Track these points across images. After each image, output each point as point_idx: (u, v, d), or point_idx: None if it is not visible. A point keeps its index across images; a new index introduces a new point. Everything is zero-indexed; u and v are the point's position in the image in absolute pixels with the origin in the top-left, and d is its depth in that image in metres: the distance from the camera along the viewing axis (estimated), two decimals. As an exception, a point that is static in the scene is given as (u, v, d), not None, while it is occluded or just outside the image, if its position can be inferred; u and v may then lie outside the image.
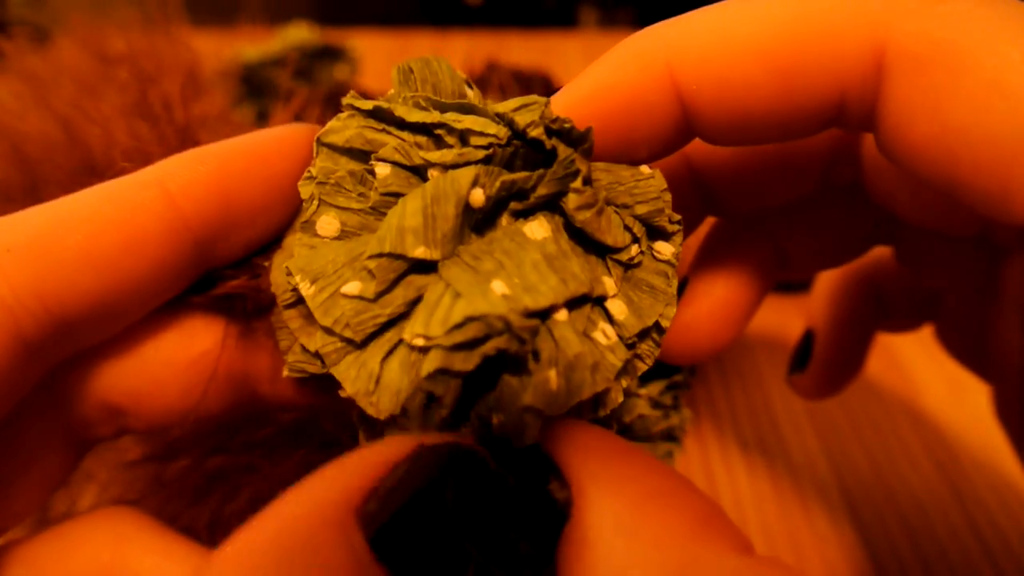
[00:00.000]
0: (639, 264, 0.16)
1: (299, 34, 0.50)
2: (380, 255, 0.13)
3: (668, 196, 0.16)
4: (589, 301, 0.14)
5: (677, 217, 0.16)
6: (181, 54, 0.24)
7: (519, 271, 0.13)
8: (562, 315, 0.13)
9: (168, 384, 0.15)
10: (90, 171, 0.16)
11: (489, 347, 0.12)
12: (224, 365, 0.16)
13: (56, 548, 0.14)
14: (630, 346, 0.15)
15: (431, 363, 0.13)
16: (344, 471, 0.12)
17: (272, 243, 0.16)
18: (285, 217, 0.15)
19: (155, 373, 0.15)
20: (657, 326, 0.15)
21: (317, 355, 0.14)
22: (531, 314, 0.13)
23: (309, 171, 0.15)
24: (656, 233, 0.16)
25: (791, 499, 0.30)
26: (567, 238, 0.15)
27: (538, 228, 0.14)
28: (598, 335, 0.14)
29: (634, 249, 0.15)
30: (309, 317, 0.14)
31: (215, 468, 0.20)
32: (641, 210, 0.15)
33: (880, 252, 0.25)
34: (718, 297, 0.21)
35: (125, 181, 0.14)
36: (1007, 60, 0.12)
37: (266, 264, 0.16)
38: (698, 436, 0.32)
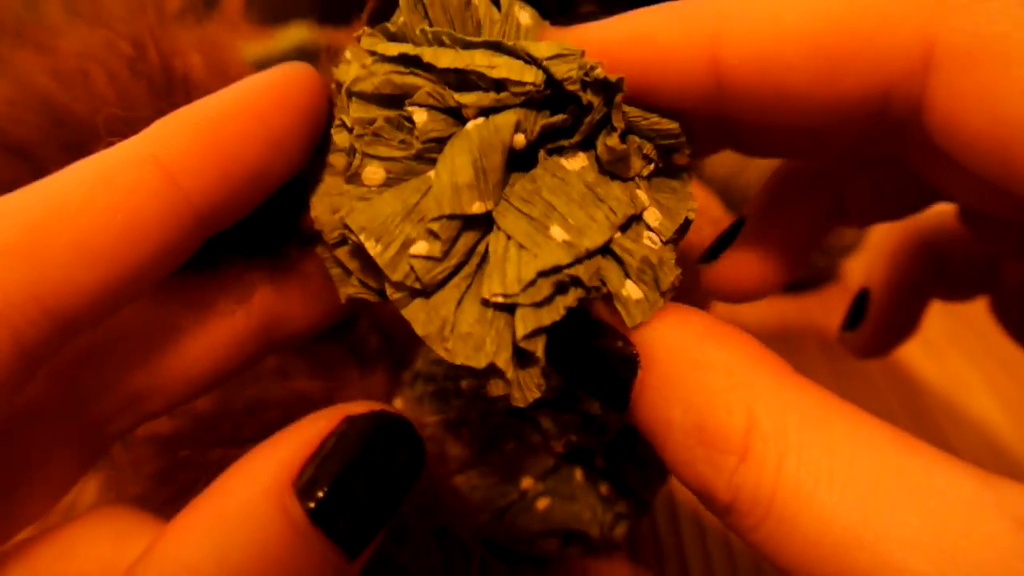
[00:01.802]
0: (659, 171, 0.16)
1: (299, 34, 0.50)
2: (440, 217, 0.14)
3: (684, 139, 0.16)
4: (634, 219, 0.15)
5: (690, 150, 0.17)
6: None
7: (568, 209, 0.14)
8: (617, 235, 0.15)
9: (189, 350, 0.15)
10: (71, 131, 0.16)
11: (570, 299, 0.14)
12: (255, 312, 0.16)
13: (56, 549, 0.14)
14: (668, 245, 0.16)
15: (526, 324, 0.14)
16: (277, 447, 0.13)
17: (295, 187, 0.16)
18: (288, 172, 0.15)
19: (173, 342, 0.15)
20: (686, 221, 0.16)
21: (380, 293, 0.15)
22: (592, 252, 0.14)
23: (342, 119, 0.15)
24: (671, 151, 0.17)
25: (791, 499, 0.30)
26: (599, 167, 0.16)
27: (574, 160, 0.15)
28: (646, 242, 0.15)
29: (652, 167, 0.16)
30: (366, 258, 0.15)
31: (216, 460, 0.19)
32: (661, 142, 0.16)
33: (942, 215, 0.24)
34: (773, 239, 0.21)
35: (118, 158, 0.13)
36: None
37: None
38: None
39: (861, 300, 0.26)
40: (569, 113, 0.15)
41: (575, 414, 0.24)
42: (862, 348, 0.26)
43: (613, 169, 0.15)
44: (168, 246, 0.14)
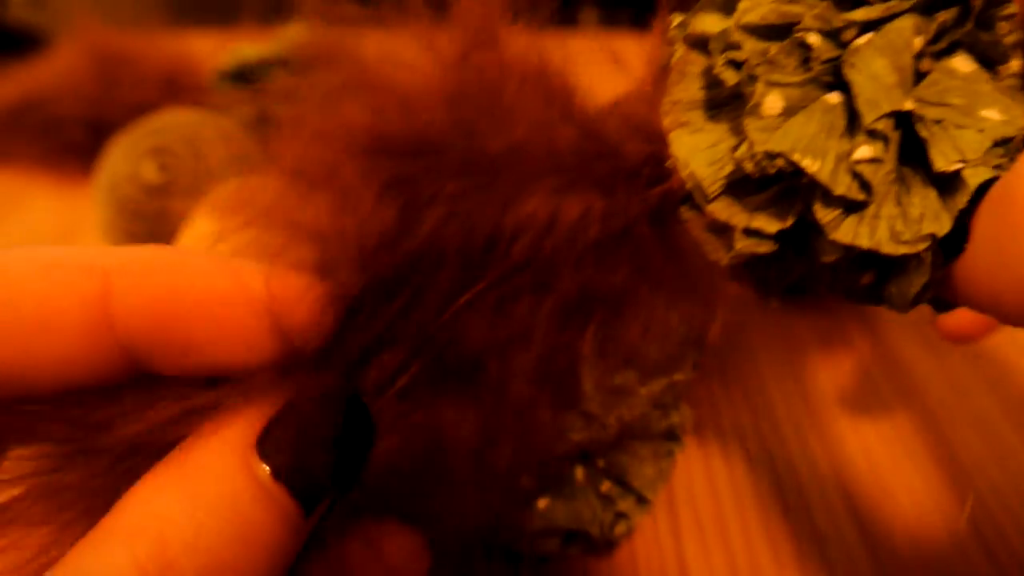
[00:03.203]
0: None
1: (299, 34, 0.50)
2: (881, 117, 0.14)
3: None
4: None
5: None
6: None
7: (993, 97, 0.14)
8: None
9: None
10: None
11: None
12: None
13: None
14: None
15: (978, 177, 0.13)
16: (236, 418, 0.13)
17: None
18: (251, 353, 0.14)
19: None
20: None
21: (778, 236, 0.15)
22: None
23: (734, 57, 0.15)
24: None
25: (792, 498, 0.30)
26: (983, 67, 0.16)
27: (963, 63, 0.15)
28: None
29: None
30: (738, 202, 0.15)
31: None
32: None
33: None
34: None
35: (75, 256, 0.14)
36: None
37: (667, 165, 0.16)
38: (698, 435, 0.32)
39: None
40: (957, 14, 0.15)
41: (576, 413, 0.24)
42: (957, 331, 0.25)
43: (1010, 58, 0.15)
44: (78, 357, 0.13)
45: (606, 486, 0.25)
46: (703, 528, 0.28)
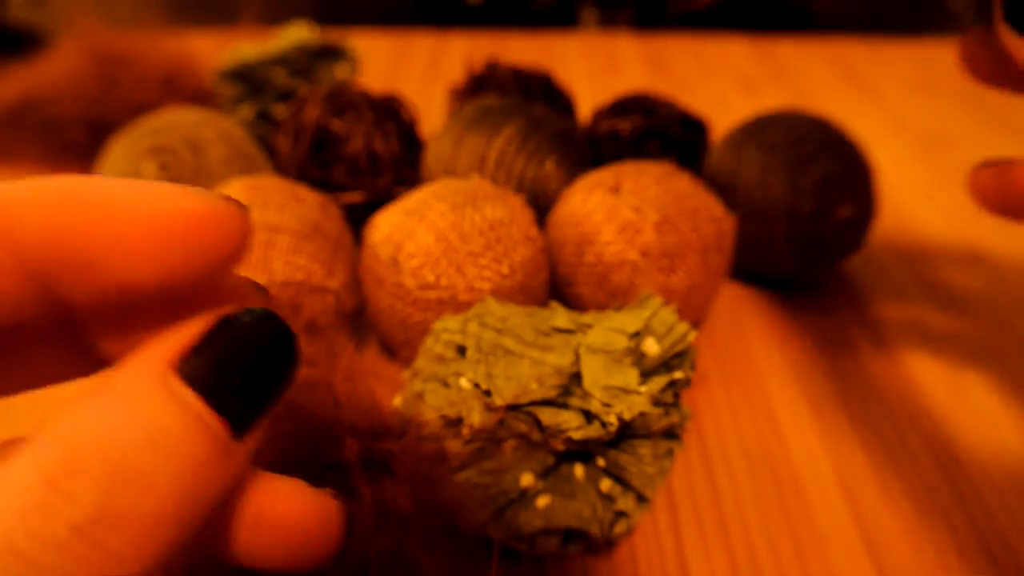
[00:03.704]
0: None
1: (299, 34, 0.50)
2: None
3: None
4: None
5: None
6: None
7: None
8: None
9: None
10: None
11: None
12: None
13: None
14: None
15: None
16: (155, 343, 0.13)
17: None
18: (167, 290, 0.14)
19: None
20: None
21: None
22: None
23: None
24: None
25: (791, 498, 0.30)
26: None
27: None
28: None
29: None
30: None
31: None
32: None
33: None
34: None
35: None
36: None
37: None
38: (698, 434, 0.32)
39: None
40: None
41: (576, 412, 0.24)
42: (981, 59, 0.24)
43: None
44: None
45: (606, 485, 0.25)
46: (703, 526, 0.28)
